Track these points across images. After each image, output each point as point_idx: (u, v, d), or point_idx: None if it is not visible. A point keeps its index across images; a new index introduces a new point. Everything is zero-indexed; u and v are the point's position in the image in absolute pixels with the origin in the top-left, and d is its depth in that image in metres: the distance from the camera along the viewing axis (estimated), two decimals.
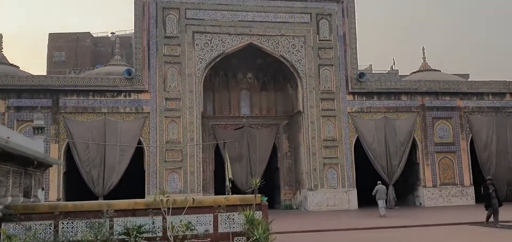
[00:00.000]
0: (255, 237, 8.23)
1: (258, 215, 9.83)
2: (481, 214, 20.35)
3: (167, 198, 8.32)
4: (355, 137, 28.05)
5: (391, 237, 12.98)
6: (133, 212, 9.90)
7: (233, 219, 9.83)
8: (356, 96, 28.43)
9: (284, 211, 27.08)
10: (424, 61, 35.70)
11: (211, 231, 9.93)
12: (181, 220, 9.35)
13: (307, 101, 27.62)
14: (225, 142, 19.13)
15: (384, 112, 28.62)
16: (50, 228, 9.53)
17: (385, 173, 27.93)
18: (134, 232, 8.64)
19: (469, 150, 29.12)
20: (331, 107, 27.94)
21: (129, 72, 26.33)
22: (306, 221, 19.23)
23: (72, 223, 9.60)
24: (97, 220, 8.67)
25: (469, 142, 29.23)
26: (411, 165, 29.15)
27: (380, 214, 21.94)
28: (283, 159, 29.64)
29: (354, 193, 27.41)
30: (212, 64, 27.00)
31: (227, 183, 16.49)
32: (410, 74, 35.20)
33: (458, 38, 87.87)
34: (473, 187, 28.85)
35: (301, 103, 27.79)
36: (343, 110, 28.01)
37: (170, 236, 8.24)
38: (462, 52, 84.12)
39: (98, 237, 7.88)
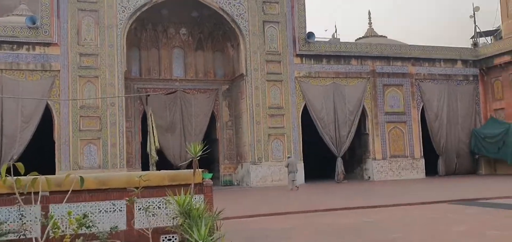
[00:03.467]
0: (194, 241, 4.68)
1: (199, 200, 6.31)
2: (448, 190, 18.41)
3: (34, 178, 4.55)
4: (303, 105, 25.19)
5: (369, 222, 10.03)
6: None
7: (158, 208, 6.19)
8: (304, 59, 25.46)
9: (224, 188, 23.74)
10: (370, 26, 33.65)
11: (123, 227, 6.22)
12: (68, 212, 5.58)
13: (251, 63, 24.19)
14: (148, 96, 15.00)
15: (333, 77, 25.99)
16: None
17: (333, 144, 25.49)
18: None
19: (420, 120, 27.40)
20: (277, 71, 24.77)
21: (33, 20, 21.38)
22: (254, 202, 15.97)
23: None
24: None
25: (420, 112, 27.51)
26: (360, 136, 26.98)
27: (288, 188, 20.52)
28: (223, 129, 26.11)
29: (300, 167, 24.59)
30: (137, 14, 22.56)
31: (153, 153, 12.47)
32: (355, 40, 32.86)
33: (395, 6, 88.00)
34: (423, 160, 27.27)
35: (244, 65, 24.29)
36: (290, 74, 24.95)
37: (41, 238, 4.49)
38: (399, 21, 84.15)
39: None
